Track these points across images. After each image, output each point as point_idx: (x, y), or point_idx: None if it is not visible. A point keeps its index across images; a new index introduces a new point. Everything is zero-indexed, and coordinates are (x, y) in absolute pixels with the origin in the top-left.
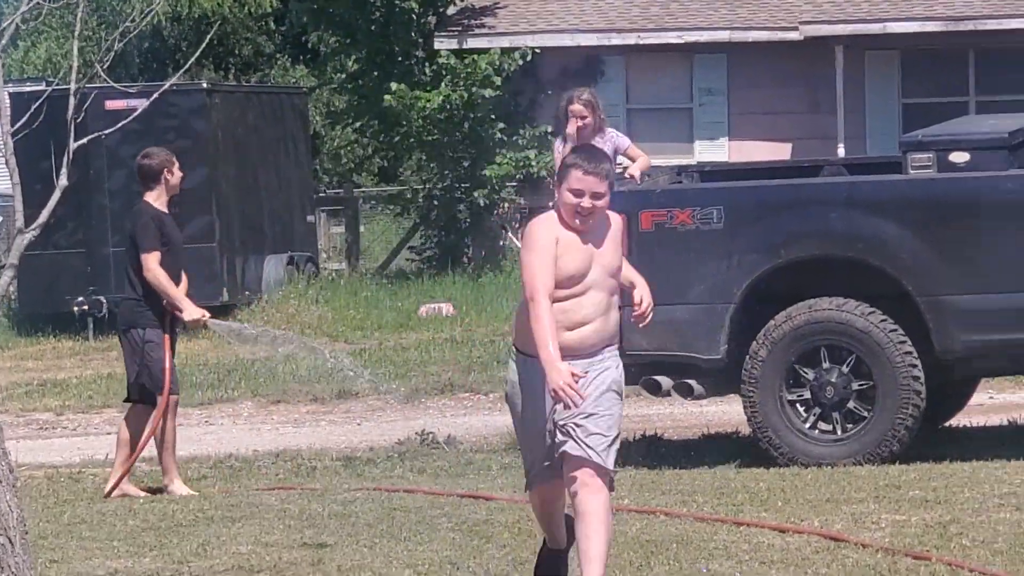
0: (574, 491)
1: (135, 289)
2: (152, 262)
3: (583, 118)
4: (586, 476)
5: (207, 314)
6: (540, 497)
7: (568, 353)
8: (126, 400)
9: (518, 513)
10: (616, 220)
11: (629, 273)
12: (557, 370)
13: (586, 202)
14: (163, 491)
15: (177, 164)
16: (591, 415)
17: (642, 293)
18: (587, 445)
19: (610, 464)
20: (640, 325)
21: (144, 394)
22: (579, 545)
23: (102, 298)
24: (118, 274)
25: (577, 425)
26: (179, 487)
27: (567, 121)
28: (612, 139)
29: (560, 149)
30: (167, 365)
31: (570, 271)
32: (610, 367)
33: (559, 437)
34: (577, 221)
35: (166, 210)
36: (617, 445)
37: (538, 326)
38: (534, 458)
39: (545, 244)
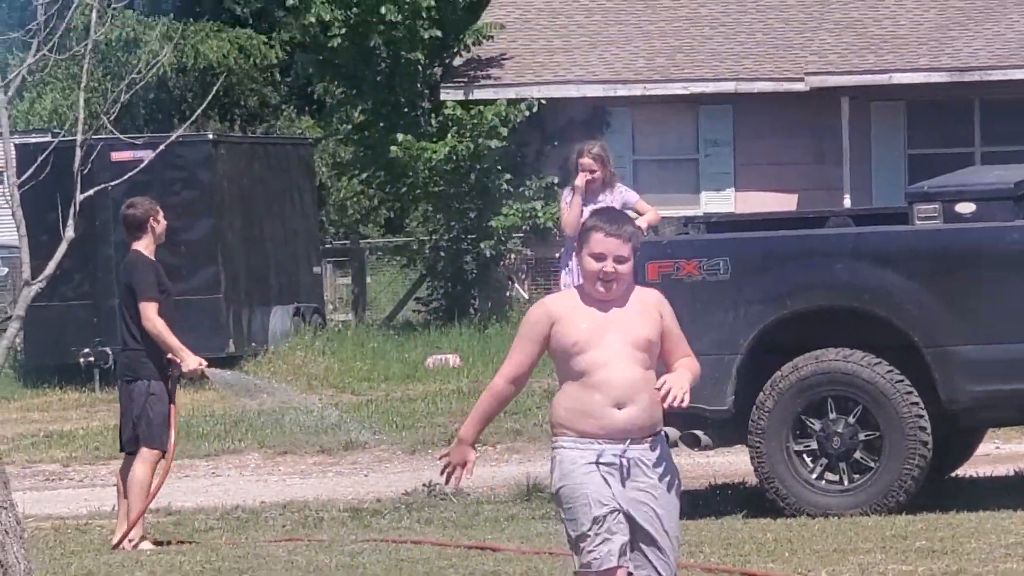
0: None
1: (136, 340)
2: (151, 311)
3: (592, 171)
4: None
5: (204, 363)
6: None
7: (620, 432)
8: (122, 451)
9: (526, 564)
10: (653, 296)
11: (682, 360)
12: (456, 446)
13: (608, 266)
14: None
15: (161, 213)
16: (666, 523)
17: (674, 378)
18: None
19: None
20: (665, 405)
21: (134, 443)
22: None
23: (108, 349)
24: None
25: (656, 540)
26: (144, 543)
27: (576, 173)
28: (621, 194)
29: (567, 201)
30: (173, 419)
31: (574, 345)
32: (667, 458)
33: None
34: (600, 288)
35: (154, 258)
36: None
37: (479, 401)
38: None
39: (534, 324)
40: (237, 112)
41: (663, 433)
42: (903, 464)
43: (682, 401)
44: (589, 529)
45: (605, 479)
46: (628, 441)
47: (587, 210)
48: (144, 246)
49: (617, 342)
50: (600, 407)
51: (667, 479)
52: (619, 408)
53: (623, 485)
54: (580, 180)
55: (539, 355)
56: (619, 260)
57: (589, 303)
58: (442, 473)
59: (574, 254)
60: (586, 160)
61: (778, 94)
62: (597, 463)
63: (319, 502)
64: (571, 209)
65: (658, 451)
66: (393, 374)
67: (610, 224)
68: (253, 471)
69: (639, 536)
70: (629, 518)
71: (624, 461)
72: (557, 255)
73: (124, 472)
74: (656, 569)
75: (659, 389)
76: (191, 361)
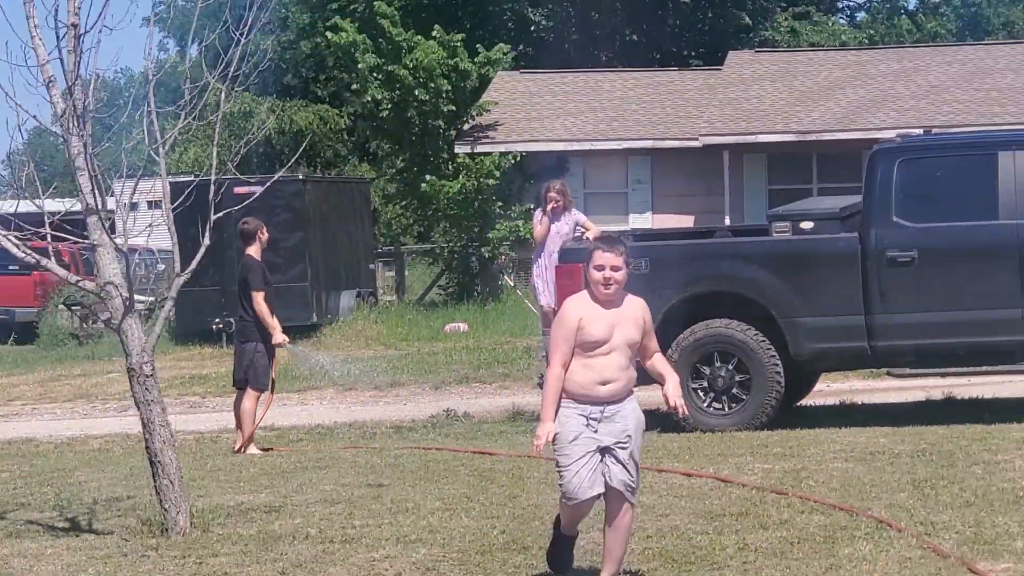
0: (611, 505)
1: (247, 315)
2: (259, 298)
3: (556, 201)
4: (624, 500)
5: (287, 339)
6: (579, 510)
7: (602, 400)
8: (234, 386)
9: (512, 463)
10: (640, 304)
11: (659, 365)
12: (543, 425)
13: (607, 273)
14: (239, 452)
15: (265, 228)
16: (633, 449)
17: (675, 392)
18: (629, 486)
19: (637, 487)
20: (680, 415)
21: (242, 383)
22: (606, 544)
23: (231, 319)
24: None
25: (621, 458)
26: (253, 449)
27: (546, 201)
28: (575, 215)
29: (539, 218)
30: (272, 370)
31: (595, 337)
32: (636, 411)
33: (608, 462)
34: (604, 289)
35: (260, 259)
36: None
37: (547, 387)
38: (580, 481)
39: (569, 322)
40: (318, 160)
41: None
42: (765, 397)
43: (685, 410)
44: (568, 467)
45: (587, 429)
46: (606, 405)
47: (553, 226)
48: (254, 251)
49: (619, 338)
50: (592, 383)
51: (631, 423)
52: (603, 385)
53: (596, 431)
54: (549, 205)
55: (574, 343)
56: (615, 268)
57: (598, 305)
58: (535, 446)
59: (543, 256)
60: (552, 194)
61: (681, 149)
62: (587, 420)
63: (373, 422)
64: (540, 226)
65: (627, 406)
66: (422, 336)
67: (607, 244)
68: (329, 401)
69: (610, 457)
70: (605, 449)
71: (600, 415)
72: (533, 256)
73: (237, 403)
74: (622, 480)
75: (674, 407)
76: (278, 336)
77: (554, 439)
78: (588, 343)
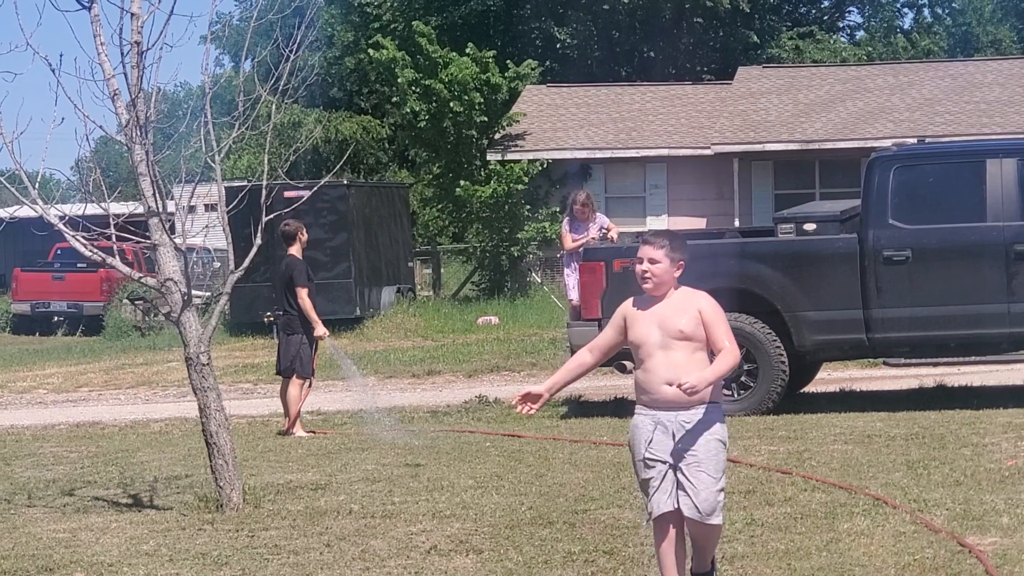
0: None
1: (294, 309)
2: (304, 294)
3: (583, 208)
4: (694, 523)
5: (328, 333)
6: (661, 528)
7: (667, 405)
8: (277, 374)
9: (539, 445)
10: (694, 295)
11: (716, 358)
12: (535, 386)
13: (644, 266)
14: (287, 434)
15: (305, 229)
16: (701, 464)
17: (694, 378)
18: (699, 509)
19: (719, 511)
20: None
21: (289, 372)
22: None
23: (281, 312)
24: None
25: (689, 477)
26: (300, 431)
27: (573, 209)
28: (600, 220)
29: (566, 226)
30: (314, 360)
31: (635, 339)
32: (709, 421)
33: (679, 480)
34: (642, 284)
35: (302, 258)
36: (723, 485)
37: (567, 363)
38: (655, 494)
39: (615, 317)
40: (361, 167)
41: (715, 403)
42: (771, 384)
43: (692, 392)
44: (641, 483)
45: (657, 438)
46: (678, 410)
47: (577, 237)
48: (295, 251)
49: (658, 335)
50: (653, 384)
51: (703, 438)
52: (668, 385)
53: (672, 441)
54: (577, 214)
55: (616, 338)
56: (651, 261)
57: (644, 306)
58: (516, 403)
59: (573, 258)
60: (578, 207)
61: (694, 157)
62: (655, 425)
63: (411, 407)
64: (567, 233)
65: (700, 416)
66: (457, 328)
67: (650, 236)
68: (371, 388)
69: (680, 475)
70: (675, 467)
71: (670, 424)
72: (559, 255)
73: (283, 391)
74: (692, 502)
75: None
76: (319, 330)
77: (628, 444)
78: (633, 343)
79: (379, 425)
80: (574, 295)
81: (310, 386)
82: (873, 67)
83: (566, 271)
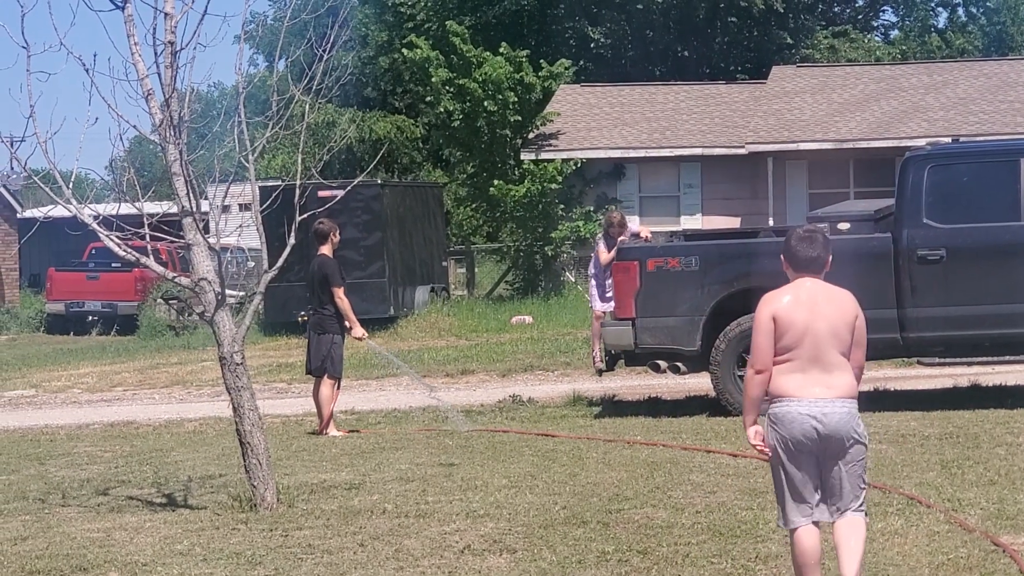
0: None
1: (326, 308)
2: (341, 292)
3: (619, 229)
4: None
5: (366, 334)
6: (800, 540)
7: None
8: (308, 373)
9: (572, 445)
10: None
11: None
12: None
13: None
14: (320, 433)
15: (343, 228)
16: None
17: None
18: (855, 499)
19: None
20: None
21: (320, 371)
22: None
23: (313, 311)
24: None
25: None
26: (333, 431)
27: (609, 230)
28: (630, 229)
29: (602, 246)
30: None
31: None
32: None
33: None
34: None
35: (333, 257)
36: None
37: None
38: (798, 497)
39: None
40: (395, 166)
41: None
42: None
43: None
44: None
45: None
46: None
47: (610, 252)
48: (327, 250)
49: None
50: None
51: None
52: None
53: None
54: (614, 233)
55: None
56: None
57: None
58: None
59: (601, 273)
60: (615, 229)
61: (728, 156)
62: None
63: (445, 406)
64: (603, 250)
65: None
66: (491, 327)
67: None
68: (405, 387)
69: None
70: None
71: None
72: (591, 255)
73: (315, 390)
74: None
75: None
76: (358, 331)
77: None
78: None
79: (454, 417)
80: (596, 304)
81: (339, 387)
82: (907, 66)
83: (592, 283)
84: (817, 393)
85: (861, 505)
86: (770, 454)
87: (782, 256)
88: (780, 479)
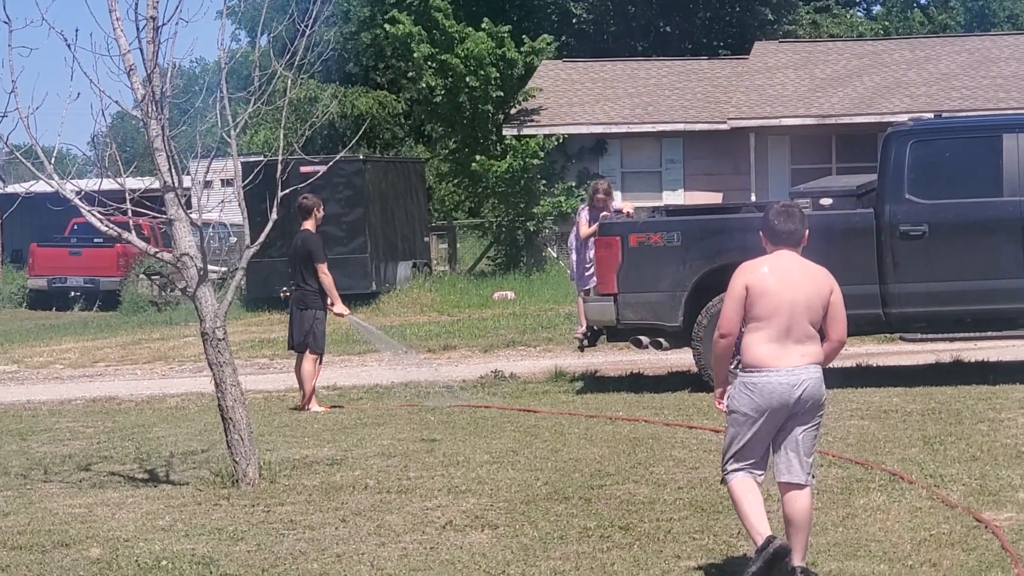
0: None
1: (308, 284)
2: (324, 268)
3: (605, 197)
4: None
5: (348, 311)
6: (744, 481)
7: None
8: (289, 349)
9: (554, 420)
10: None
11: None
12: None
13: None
14: (303, 409)
15: (327, 204)
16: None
17: None
18: (806, 471)
19: (814, 471)
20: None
21: (302, 347)
22: (789, 536)
23: (295, 287)
24: None
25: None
26: (315, 407)
27: (595, 198)
28: (614, 203)
29: (584, 215)
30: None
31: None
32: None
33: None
34: None
35: (316, 233)
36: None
37: None
38: (744, 456)
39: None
40: (377, 142)
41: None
42: None
43: None
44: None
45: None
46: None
47: (592, 224)
48: (311, 225)
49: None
50: None
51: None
52: None
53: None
54: (597, 203)
55: None
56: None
57: None
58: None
59: (582, 246)
60: (600, 196)
61: (710, 131)
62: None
63: (427, 382)
64: (584, 221)
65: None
66: (472, 303)
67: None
68: (387, 363)
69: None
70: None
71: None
72: (570, 243)
73: (297, 365)
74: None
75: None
76: (339, 307)
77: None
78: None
79: (438, 391)
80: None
81: (321, 363)
82: (889, 42)
83: (573, 256)
84: (794, 361)
85: (811, 474)
86: (728, 413)
87: (760, 231)
88: (739, 438)
